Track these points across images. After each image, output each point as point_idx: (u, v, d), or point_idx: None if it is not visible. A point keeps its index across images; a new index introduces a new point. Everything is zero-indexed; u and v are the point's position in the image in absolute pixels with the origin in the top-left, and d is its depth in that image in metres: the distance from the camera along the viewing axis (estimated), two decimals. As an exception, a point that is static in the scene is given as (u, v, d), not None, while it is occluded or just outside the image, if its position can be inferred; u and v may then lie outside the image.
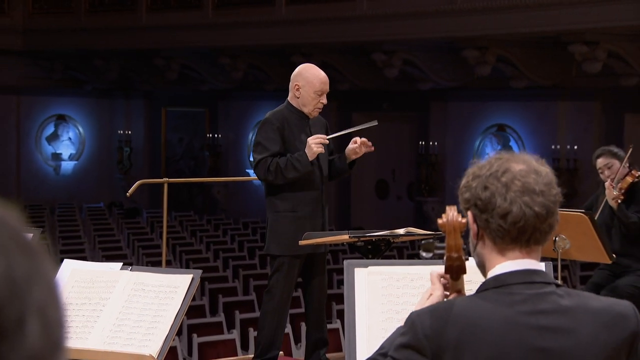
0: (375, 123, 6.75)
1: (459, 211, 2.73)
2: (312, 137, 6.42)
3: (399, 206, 19.94)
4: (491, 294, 2.62)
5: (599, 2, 14.03)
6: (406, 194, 19.94)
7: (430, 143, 19.00)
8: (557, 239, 7.69)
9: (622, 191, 7.80)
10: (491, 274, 2.65)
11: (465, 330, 2.55)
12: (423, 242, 3.03)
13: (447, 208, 2.75)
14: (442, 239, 2.82)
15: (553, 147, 17.31)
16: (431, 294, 2.77)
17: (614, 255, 7.81)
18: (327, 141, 6.51)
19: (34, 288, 0.87)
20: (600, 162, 8.06)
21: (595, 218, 7.89)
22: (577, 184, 16.95)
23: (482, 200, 2.61)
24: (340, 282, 10.12)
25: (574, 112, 17.21)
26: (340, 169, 6.81)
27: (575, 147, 17.08)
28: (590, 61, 15.19)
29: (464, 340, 2.55)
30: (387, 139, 20.11)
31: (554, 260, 7.72)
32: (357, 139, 6.67)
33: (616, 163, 7.97)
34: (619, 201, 7.85)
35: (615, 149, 8.12)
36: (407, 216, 19.19)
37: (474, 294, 2.67)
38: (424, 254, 3.01)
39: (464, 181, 2.68)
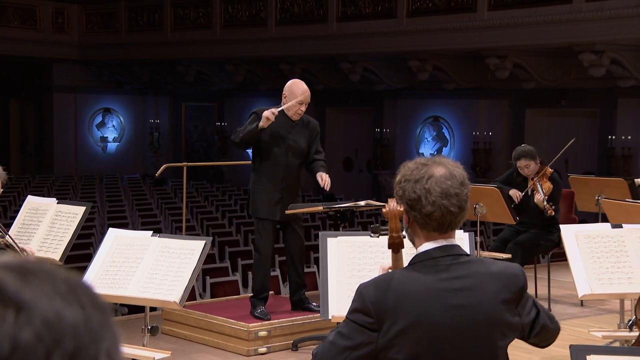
0: (293, 102, 6.57)
1: (397, 201, 2.74)
2: (267, 110, 6.34)
3: (360, 177, 19.95)
4: (419, 266, 2.64)
5: (508, 27, 14.05)
6: (366, 168, 19.93)
7: (384, 130, 18.99)
8: (476, 206, 7.72)
9: (550, 203, 7.64)
10: (420, 250, 2.67)
11: (400, 296, 2.56)
12: (371, 226, 3.03)
13: (389, 200, 2.76)
14: (385, 218, 2.83)
15: (474, 133, 17.36)
16: (383, 267, 2.85)
17: (517, 218, 7.85)
18: (275, 114, 6.32)
19: (105, 336, 0.88)
20: (520, 163, 7.82)
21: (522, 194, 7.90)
22: (491, 160, 17.04)
23: (411, 200, 2.62)
24: (317, 235, 10.09)
25: (489, 107, 17.25)
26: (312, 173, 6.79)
27: (490, 133, 17.13)
28: (501, 70, 15.25)
29: (399, 304, 2.55)
30: (351, 126, 20.14)
31: (474, 221, 7.76)
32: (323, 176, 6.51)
33: (532, 163, 7.77)
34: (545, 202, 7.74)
35: (530, 149, 7.88)
36: (366, 185, 19.23)
37: (408, 266, 2.69)
38: (372, 235, 3.02)
39: (397, 178, 2.68)
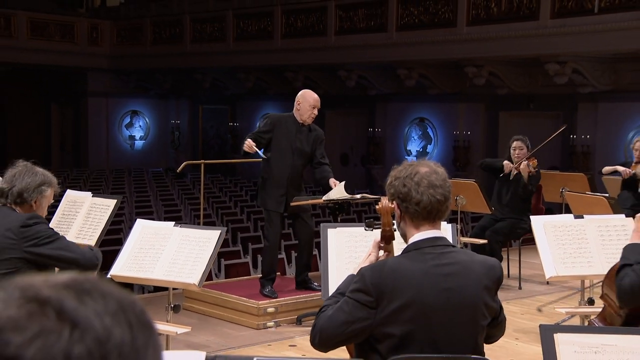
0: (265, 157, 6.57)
1: (389, 200, 2.75)
2: (248, 142, 6.31)
3: (355, 171, 19.90)
4: (412, 254, 2.66)
5: (484, 40, 14.06)
6: (360, 163, 19.89)
7: (376, 129, 18.97)
8: (457, 198, 7.73)
9: (536, 169, 7.83)
10: (411, 240, 2.69)
11: (396, 279, 2.57)
12: (366, 220, 3.02)
13: (382, 198, 2.79)
14: (379, 213, 2.84)
15: (454, 132, 17.33)
16: (370, 254, 2.83)
17: (492, 208, 7.86)
18: (252, 150, 6.30)
19: (147, 354, 0.84)
20: (516, 144, 7.97)
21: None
22: (470, 156, 17.01)
23: (402, 194, 2.65)
24: (317, 223, 10.05)
25: (468, 110, 17.21)
26: (321, 184, 6.71)
27: (469, 132, 17.11)
28: (478, 78, 15.23)
29: (396, 286, 2.57)
30: (347, 126, 20.10)
31: (455, 211, 7.75)
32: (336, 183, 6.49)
33: (525, 149, 7.93)
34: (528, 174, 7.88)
35: (526, 140, 8.03)
36: (360, 178, 19.19)
37: (400, 255, 2.69)
38: (367, 228, 3.02)
39: (389, 180, 2.72)
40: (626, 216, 5.22)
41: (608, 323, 3.71)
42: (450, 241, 2.76)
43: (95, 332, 0.80)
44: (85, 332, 0.79)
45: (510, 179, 7.96)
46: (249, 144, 6.27)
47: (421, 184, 2.61)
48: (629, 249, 3.48)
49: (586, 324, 5.14)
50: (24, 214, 3.83)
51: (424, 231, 2.66)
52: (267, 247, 6.64)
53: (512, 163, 7.98)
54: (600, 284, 6.72)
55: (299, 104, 6.53)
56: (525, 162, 7.77)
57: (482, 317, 2.66)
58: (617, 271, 3.42)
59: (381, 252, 2.83)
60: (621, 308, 3.57)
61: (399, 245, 2.81)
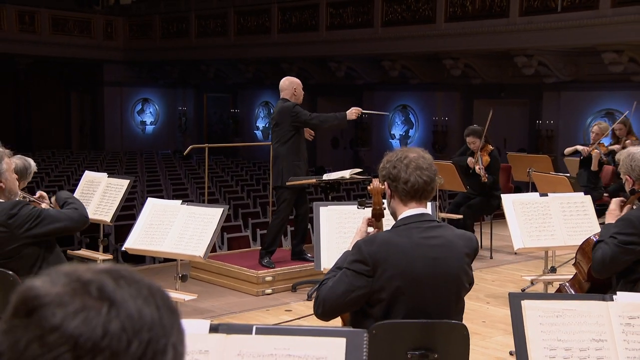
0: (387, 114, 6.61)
1: (380, 181, 2.75)
2: (355, 107, 6.24)
3: (345, 153, 19.89)
4: (401, 229, 2.67)
5: (460, 35, 14.04)
6: (349, 146, 19.87)
7: (363, 116, 18.87)
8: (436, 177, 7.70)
9: (484, 172, 7.56)
10: (400, 217, 2.70)
11: (389, 251, 2.59)
12: (359, 200, 3.02)
13: (373, 180, 2.79)
14: (370, 194, 2.85)
15: (434, 118, 17.31)
16: (360, 230, 2.85)
17: (467, 187, 7.85)
18: (358, 113, 6.24)
19: (173, 332, 0.87)
20: (468, 140, 7.75)
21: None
22: (447, 140, 16.99)
23: (393, 175, 2.67)
24: (312, 200, 10.02)
25: (445, 99, 17.17)
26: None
27: (446, 118, 17.08)
28: (455, 69, 15.20)
29: (388, 257, 2.58)
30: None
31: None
32: None
33: (477, 141, 7.67)
34: (483, 172, 7.66)
35: (477, 129, 7.74)
36: (349, 159, 19.17)
37: (391, 229, 2.70)
38: (359, 207, 3.02)
39: (381, 165, 2.74)
40: (585, 193, 5.25)
41: (577, 288, 3.78)
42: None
43: (129, 311, 0.83)
44: (120, 310, 0.83)
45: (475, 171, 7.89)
46: (357, 110, 6.14)
47: (410, 166, 2.64)
48: (604, 228, 3.59)
49: (549, 290, 5.18)
50: (4, 204, 3.48)
51: (411, 208, 2.67)
52: (277, 223, 6.49)
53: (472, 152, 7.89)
54: (562, 254, 6.76)
55: (295, 90, 6.49)
56: (478, 167, 7.61)
57: (464, 285, 2.69)
58: (592, 247, 3.52)
59: (370, 229, 2.85)
60: (589, 276, 3.67)
61: (387, 223, 2.82)
